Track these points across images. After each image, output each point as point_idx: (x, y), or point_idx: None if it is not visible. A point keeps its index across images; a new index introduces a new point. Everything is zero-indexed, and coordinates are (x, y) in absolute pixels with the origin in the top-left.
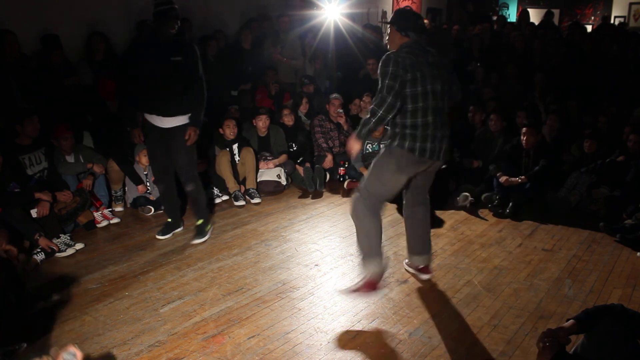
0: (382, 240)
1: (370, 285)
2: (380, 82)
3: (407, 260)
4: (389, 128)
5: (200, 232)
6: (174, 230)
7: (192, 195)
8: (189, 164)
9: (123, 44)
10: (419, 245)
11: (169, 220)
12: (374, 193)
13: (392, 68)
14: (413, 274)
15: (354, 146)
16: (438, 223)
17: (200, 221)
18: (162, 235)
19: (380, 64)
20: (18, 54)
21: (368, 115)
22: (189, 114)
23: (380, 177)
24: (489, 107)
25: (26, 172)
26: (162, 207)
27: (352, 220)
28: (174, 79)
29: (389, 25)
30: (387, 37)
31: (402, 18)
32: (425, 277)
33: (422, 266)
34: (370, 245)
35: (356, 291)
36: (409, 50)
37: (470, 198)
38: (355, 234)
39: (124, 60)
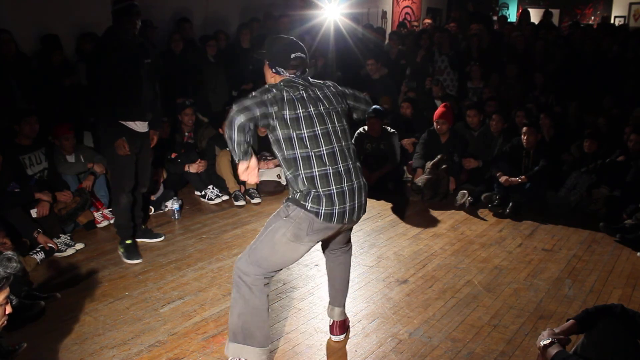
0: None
1: None
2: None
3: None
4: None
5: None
6: (136, 248)
7: (137, 199)
8: (151, 167)
9: None
10: (339, 296)
11: (129, 242)
12: (261, 261)
13: (263, 96)
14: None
15: (249, 175)
16: (438, 223)
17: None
18: (137, 259)
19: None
20: (15, 52)
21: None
22: (152, 117)
23: (272, 244)
24: (489, 108)
25: (26, 172)
26: (120, 225)
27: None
28: (150, 81)
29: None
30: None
31: (273, 51)
32: (336, 338)
33: (335, 320)
34: (244, 328)
35: None
36: (288, 85)
37: (468, 197)
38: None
39: (100, 66)
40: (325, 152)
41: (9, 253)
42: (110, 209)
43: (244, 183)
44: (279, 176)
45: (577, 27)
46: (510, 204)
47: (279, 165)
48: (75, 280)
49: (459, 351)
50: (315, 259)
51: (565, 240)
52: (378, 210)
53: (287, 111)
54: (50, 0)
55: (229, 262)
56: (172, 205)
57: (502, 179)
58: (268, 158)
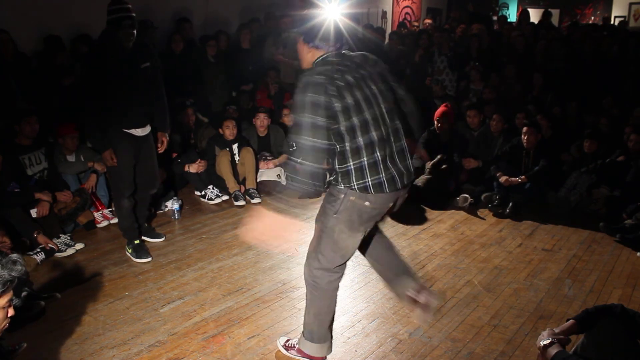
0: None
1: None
2: (296, 121)
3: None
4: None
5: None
6: (145, 247)
7: (149, 201)
8: (158, 167)
9: None
10: (401, 269)
11: (137, 242)
12: (328, 263)
13: (312, 95)
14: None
15: None
16: (438, 223)
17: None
18: (146, 257)
19: (296, 91)
20: (13, 52)
21: (290, 169)
22: (158, 120)
23: (332, 243)
24: (488, 109)
25: (26, 172)
26: (125, 228)
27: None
28: (147, 86)
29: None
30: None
31: (307, 27)
32: (433, 302)
33: (413, 291)
34: (320, 327)
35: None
36: (330, 66)
37: (469, 200)
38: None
39: (92, 72)
40: (375, 138)
41: (15, 256)
42: (111, 209)
43: (244, 183)
44: (279, 176)
45: (577, 27)
46: (510, 204)
47: (278, 166)
48: (75, 280)
49: (459, 351)
50: None
51: (565, 240)
52: None
53: (340, 101)
54: (50, 0)
55: (229, 262)
56: (172, 205)
57: (502, 179)
58: (268, 158)
